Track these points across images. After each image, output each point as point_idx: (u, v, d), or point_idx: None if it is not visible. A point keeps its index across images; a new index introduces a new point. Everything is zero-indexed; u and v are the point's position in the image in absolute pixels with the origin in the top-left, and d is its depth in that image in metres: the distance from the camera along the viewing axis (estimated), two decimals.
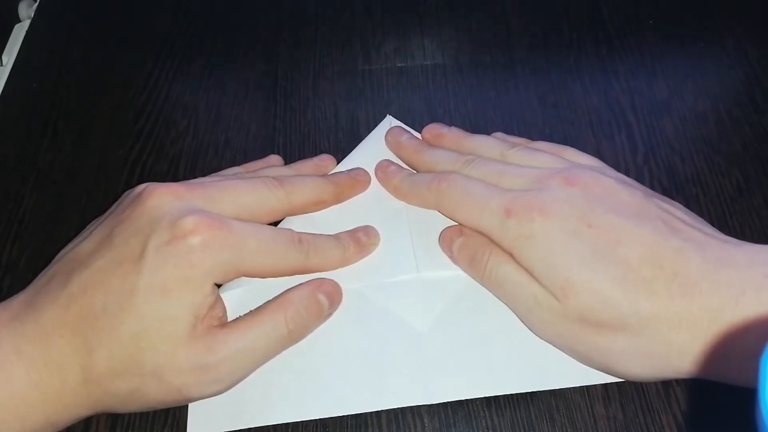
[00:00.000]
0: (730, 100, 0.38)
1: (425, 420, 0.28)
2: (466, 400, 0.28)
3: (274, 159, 0.35)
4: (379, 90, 0.39)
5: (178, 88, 0.40)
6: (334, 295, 0.28)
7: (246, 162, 0.35)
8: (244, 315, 0.26)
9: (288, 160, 0.35)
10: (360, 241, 0.30)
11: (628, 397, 0.28)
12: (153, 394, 0.25)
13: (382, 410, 0.28)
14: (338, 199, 0.31)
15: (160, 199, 0.26)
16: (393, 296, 0.29)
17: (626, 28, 0.41)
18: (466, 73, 0.40)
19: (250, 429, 0.27)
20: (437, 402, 0.27)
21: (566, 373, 0.27)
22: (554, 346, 0.27)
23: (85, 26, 0.43)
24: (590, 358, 0.26)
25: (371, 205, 0.32)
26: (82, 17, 0.44)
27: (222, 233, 0.25)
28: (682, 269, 0.23)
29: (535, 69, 0.40)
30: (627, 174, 0.34)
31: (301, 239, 0.28)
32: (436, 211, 0.30)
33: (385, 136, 0.34)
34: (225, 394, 0.26)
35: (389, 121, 0.36)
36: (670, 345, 0.23)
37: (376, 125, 0.36)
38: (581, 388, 0.28)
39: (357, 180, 0.32)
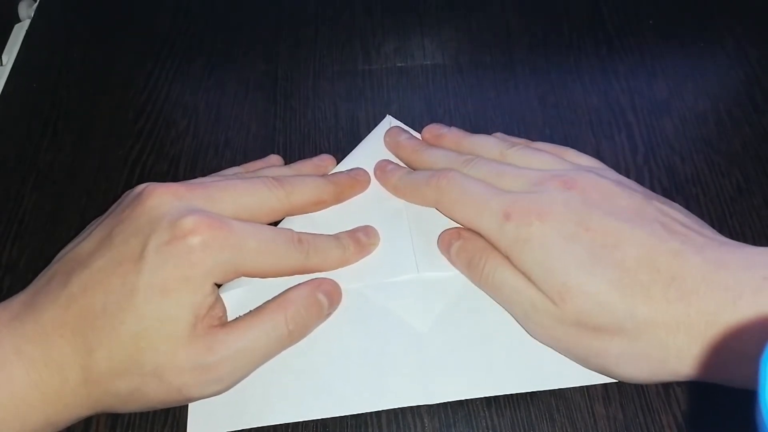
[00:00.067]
0: (730, 100, 0.38)
1: (425, 420, 0.28)
2: (466, 400, 0.28)
3: (274, 159, 0.35)
4: (379, 90, 0.39)
5: (178, 88, 0.40)
6: (333, 295, 0.28)
7: (246, 162, 0.35)
8: (244, 315, 0.26)
9: (288, 160, 0.35)
10: (360, 241, 0.30)
11: (628, 397, 0.28)
12: (153, 394, 0.25)
13: (382, 410, 0.28)
14: (338, 199, 0.31)
15: (160, 199, 0.26)
16: (393, 296, 0.29)
17: (626, 28, 0.41)
18: (466, 73, 0.40)
19: (250, 429, 0.27)
20: (437, 402, 0.27)
21: (566, 373, 0.27)
22: (552, 349, 0.27)
23: (85, 26, 0.43)
24: (588, 362, 0.26)
25: (371, 205, 0.32)
26: (82, 17, 0.44)
27: (222, 233, 0.25)
28: (679, 272, 0.23)
29: (535, 69, 0.40)
30: (627, 174, 0.34)
31: (301, 239, 0.28)
32: (436, 211, 0.30)
33: (384, 136, 0.34)
34: (225, 394, 0.26)
35: (389, 121, 0.36)
36: (668, 349, 0.23)
37: (376, 125, 0.36)
38: (581, 388, 0.28)
39: (357, 180, 0.32)
